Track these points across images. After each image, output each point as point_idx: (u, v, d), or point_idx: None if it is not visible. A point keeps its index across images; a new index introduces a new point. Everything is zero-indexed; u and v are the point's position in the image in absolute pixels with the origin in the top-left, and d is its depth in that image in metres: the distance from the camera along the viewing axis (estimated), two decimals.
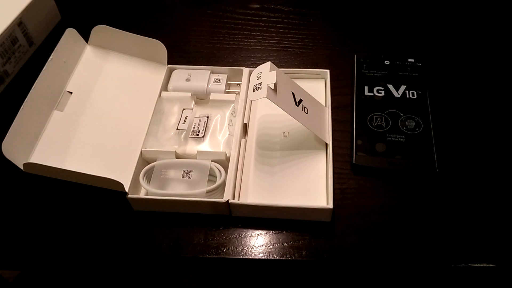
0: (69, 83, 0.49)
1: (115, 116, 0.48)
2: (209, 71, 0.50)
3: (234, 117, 0.46)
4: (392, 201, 0.42)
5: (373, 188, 0.43)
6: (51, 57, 0.47)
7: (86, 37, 0.51)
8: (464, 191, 0.42)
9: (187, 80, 0.50)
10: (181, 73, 0.51)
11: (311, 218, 0.40)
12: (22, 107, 0.42)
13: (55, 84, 0.47)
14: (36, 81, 0.44)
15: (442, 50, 0.55)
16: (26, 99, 0.43)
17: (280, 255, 0.39)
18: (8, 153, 0.40)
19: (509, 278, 0.39)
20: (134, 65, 0.52)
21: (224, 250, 0.39)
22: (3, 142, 0.40)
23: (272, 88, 0.40)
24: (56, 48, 0.47)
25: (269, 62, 0.43)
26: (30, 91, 0.43)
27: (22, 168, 0.41)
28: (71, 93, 0.48)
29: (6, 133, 0.40)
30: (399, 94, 0.49)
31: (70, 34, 0.49)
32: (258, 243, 0.40)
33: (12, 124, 0.41)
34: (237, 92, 0.49)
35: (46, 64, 0.46)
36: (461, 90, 0.51)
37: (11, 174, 0.43)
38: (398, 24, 0.59)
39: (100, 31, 0.51)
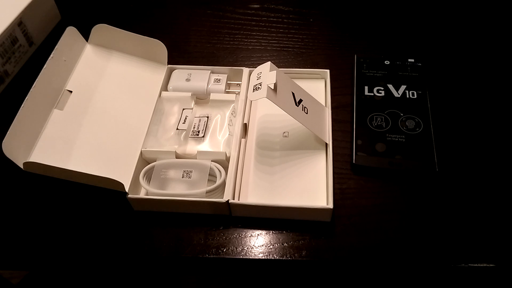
0: (69, 82, 0.49)
1: (115, 115, 0.48)
2: (209, 71, 0.50)
3: (234, 117, 0.46)
4: (392, 201, 0.42)
5: (373, 188, 0.43)
6: (51, 55, 0.47)
7: (86, 37, 0.51)
8: (464, 191, 0.42)
9: (187, 80, 0.50)
10: (181, 73, 0.51)
11: (311, 218, 0.40)
12: (22, 105, 0.42)
13: (55, 82, 0.47)
14: (37, 79, 0.44)
15: (442, 50, 0.55)
16: (27, 97, 0.43)
17: (280, 255, 0.39)
18: (8, 152, 0.40)
19: (509, 278, 0.39)
20: (134, 65, 0.52)
21: (224, 250, 0.39)
22: (3, 141, 0.40)
23: (272, 88, 0.40)
24: (56, 47, 0.47)
25: (269, 62, 0.43)
26: (31, 90, 0.44)
27: (22, 167, 0.41)
28: (71, 92, 0.48)
29: (6, 132, 0.40)
30: (399, 94, 0.49)
31: (71, 33, 0.49)
32: (258, 243, 0.40)
33: (13, 123, 0.41)
34: (237, 92, 0.49)
35: (46, 63, 0.46)
36: (461, 90, 0.51)
37: (11, 173, 0.43)
38: (398, 24, 0.59)
39: (100, 30, 0.51)
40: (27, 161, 0.41)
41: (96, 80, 0.50)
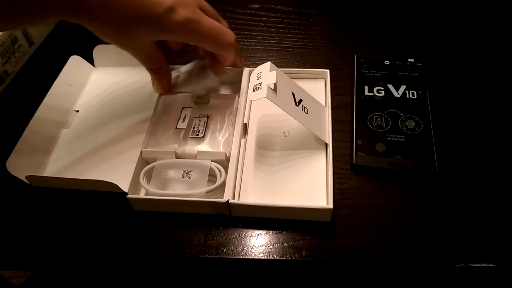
0: (75, 103, 0.50)
1: (115, 116, 0.48)
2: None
3: (234, 117, 0.46)
4: (392, 201, 0.42)
5: (373, 188, 0.43)
6: (55, 82, 0.48)
7: (88, 36, 0.51)
8: (464, 191, 0.42)
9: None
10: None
11: (311, 218, 0.40)
12: (24, 132, 0.43)
13: (61, 104, 0.49)
14: (41, 103, 0.46)
15: (442, 50, 0.55)
16: (29, 124, 0.44)
17: (280, 255, 0.39)
18: (12, 170, 0.41)
19: (509, 278, 0.39)
20: (139, 74, 0.52)
21: (224, 250, 0.39)
22: (7, 161, 0.40)
23: (272, 88, 0.40)
24: (59, 76, 0.48)
25: (269, 62, 0.43)
26: (33, 116, 0.44)
27: (26, 181, 0.41)
28: (77, 111, 0.49)
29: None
30: (399, 94, 0.49)
31: (75, 61, 0.51)
32: (258, 243, 0.40)
33: (15, 147, 0.42)
34: (237, 92, 0.49)
35: (50, 89, 0.47)
36: (461, 90, 0.51)
37: (12, 175, 0.43)
38: (398, 24, 0.59)
39: (101, 50, 0.52)
40: (30, 175, 0.42)
41: (103, 98, 0.51)
